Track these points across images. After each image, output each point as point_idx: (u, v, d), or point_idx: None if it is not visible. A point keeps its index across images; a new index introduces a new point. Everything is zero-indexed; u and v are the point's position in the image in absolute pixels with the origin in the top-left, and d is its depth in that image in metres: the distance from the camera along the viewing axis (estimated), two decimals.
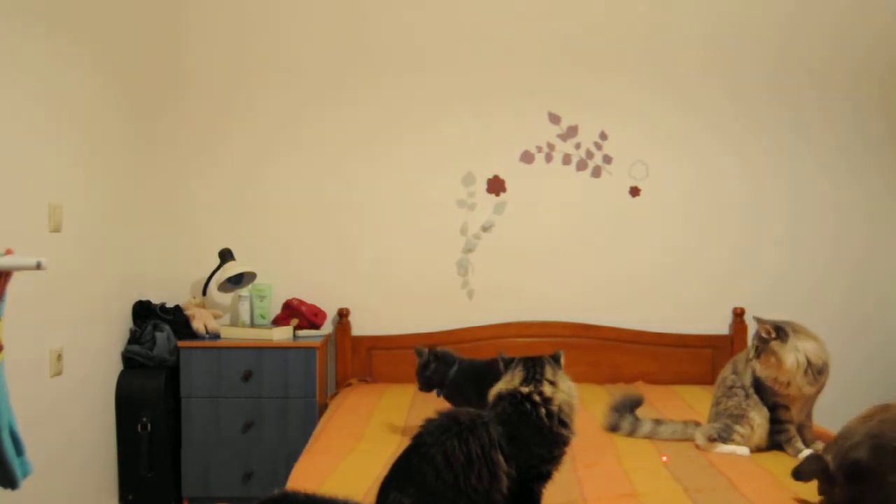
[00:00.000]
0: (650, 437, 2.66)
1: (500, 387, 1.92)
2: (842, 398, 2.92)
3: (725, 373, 2.62)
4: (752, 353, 2.46)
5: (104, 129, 3.22)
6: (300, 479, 2.20)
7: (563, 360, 1.95)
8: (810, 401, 2.53)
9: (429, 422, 1.77)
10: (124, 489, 3.27)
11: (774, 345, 2.42)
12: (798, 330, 2.46)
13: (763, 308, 3.65)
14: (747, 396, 2.52)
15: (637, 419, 2.73)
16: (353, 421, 2.93)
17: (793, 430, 2.48)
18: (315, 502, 1.68)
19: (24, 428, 1.98)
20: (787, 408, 2.49)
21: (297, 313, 3.58)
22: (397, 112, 3.73)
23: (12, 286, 1.91)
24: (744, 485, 2.14)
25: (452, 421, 1.75)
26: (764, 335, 2.43)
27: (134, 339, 3.37)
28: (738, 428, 2.50)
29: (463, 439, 1.70)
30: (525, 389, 1.86)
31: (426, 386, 2.62)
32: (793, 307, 3.65)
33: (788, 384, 2.44)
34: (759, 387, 2.50)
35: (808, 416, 2.57)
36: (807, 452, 2.44)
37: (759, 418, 2.49)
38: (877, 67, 3.74)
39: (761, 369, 2.46)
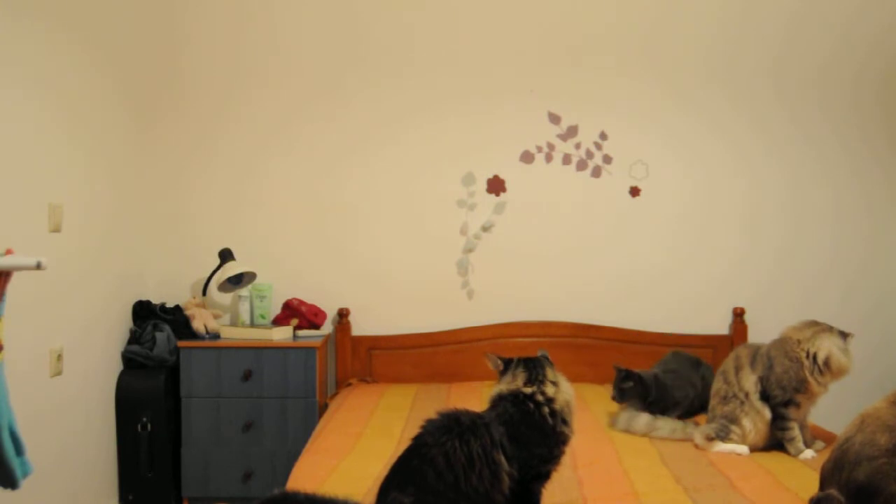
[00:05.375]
0: (648, 432, 2.66)
1: (500, 387, 1.93)
2: (841, 399, 2.91)
3: (717, 385, 2.64)
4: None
5: (104, 129, 3.22)
6: (300, 479, 2.20)
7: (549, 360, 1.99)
8: (816, 399, 2.54)
9: (429, 422, 1.77)
10: (124, 489, 3.27)
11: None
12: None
13: (763, 308, 3.69)
14: (742, 403, 2.52)
15: (635, 412, 2.74)
16: (353, 421, 2.93)
17: (797, 429, 2.49)
18: (315, 502, 1.68)
19: (24, 428, 1.98)
20: (798, 406, 2.50)
21: (297, 313, 3.58)
22: (397, 112, 3.73)
23: (12, 286, 1.91)
24: (743, 484, 2.14)
25: (453, 422, 1.75)
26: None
27: (134, 339, 3.37)
28: (734, 427, 2.50)
29: (464, 440, 1.71)
30: (528, 389, 1.87)
31: (620, 398, 2.96)
32: (792, 307, 3.65)
33: (810, 384, 2.49)
34: (773, 384, 2.50)
35: (805, 417, 2.58)
36: (807, 453, 2.45)
37: (749, 425, 2.50)
38: (878, 67, 3.74)
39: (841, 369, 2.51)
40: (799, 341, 2.53)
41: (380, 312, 3.74)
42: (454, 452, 1.68)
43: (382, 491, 1.72)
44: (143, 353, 3.30)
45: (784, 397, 2.49)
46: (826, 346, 2.49)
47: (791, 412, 2.49)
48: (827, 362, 2.47)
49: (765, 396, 2.52)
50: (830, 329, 2.54)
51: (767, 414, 2.50)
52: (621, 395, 2.94)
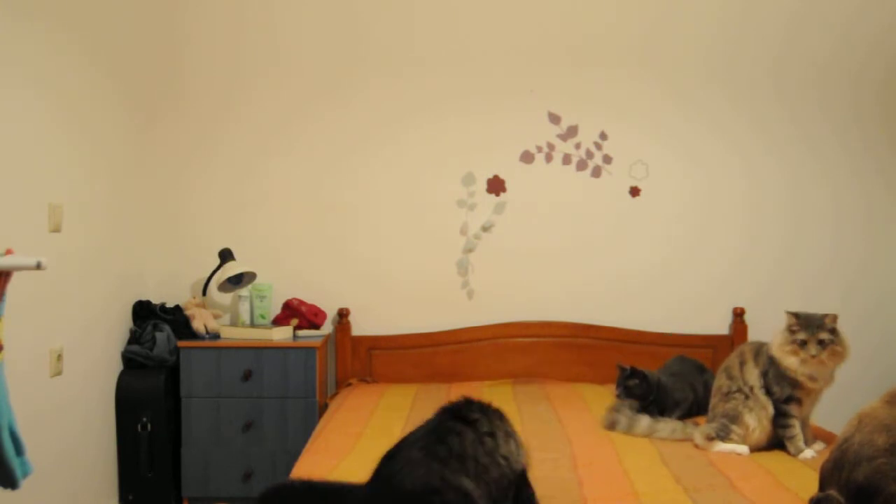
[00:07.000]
0: (648, 434, 2.66)
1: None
2: (841, 399, 2.91)
3: (720, 381, 2.63)
4: (814, 350, 2.42)
5: (104, 128, 3.22)
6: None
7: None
8: (820, 394, 2.54)
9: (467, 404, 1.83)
10: (124, 489, 3.27)
11: (841, 331, 2.45)
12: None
13: (763, 308, 3.68)
14: (747, 398, 2.52)
15: (634, 415, 2.74)
16: (354, 421, 2.93)
17: (798, 427, 2.49)
18: (314, 488, 1.69)
19: (24, 428, 1.98)
20: (799, 402, 2.49)
21: (297, 313, 3.58)
22: (397, 112, 3.73)
23: (12, 286, 1.91)
24: (743, 484, 2.14)
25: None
26: (833, 325, 2.44)
27: (134, 339, 3.37)
28: (734, 427, 2.50)
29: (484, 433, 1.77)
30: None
31: (626, 396, 2.98)
32: (792, 307, 3.63)
33: (819, 379, 2.46)
34: (772, 380, 2.50)
35: (808, 415, 2.58)
36: (807, 452, 2.44)
37: (753, 422, 2.49)
38: (878, 67, 3.74)
39: (829, 364, 2.44)
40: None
41: (380, 312, 3.74)
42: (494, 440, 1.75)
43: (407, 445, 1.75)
44: (143, 353, 3.30)
45: (783, 394, 2.49)
46: (776, 357, 2.51)
47: (793, 409, 2.49)
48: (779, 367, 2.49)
49: (768, 392, 2.52)
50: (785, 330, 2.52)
51: (772, 409, 2.50)
52: (626, 393, 2.95)
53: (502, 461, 1.75)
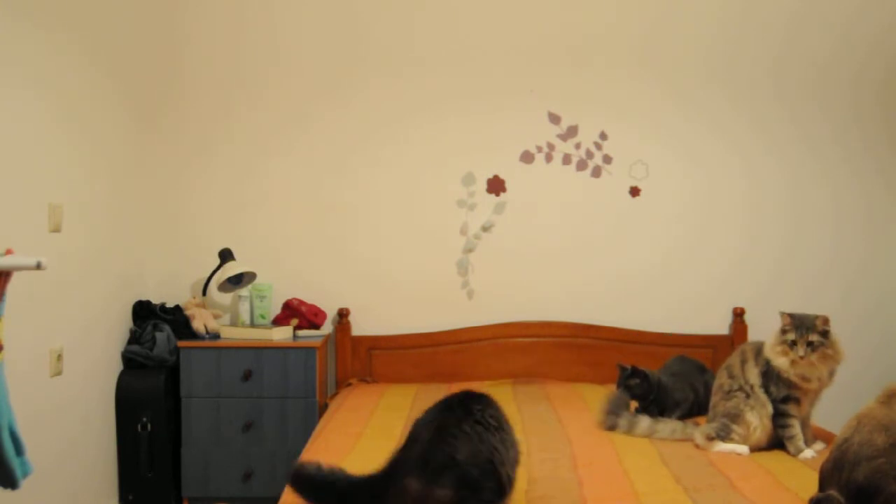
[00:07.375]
0: (649, 435, 2.66)
1: None
2: (840, 399, 2.91)
3: (721, 380, 2.62)
4: (802, 351, 2.41)
5: (104, 128, 3.22)
6: None
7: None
8: (819, 393, 2.54)
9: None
10: (124, 489, 3.27)
11: (834, 334, 2.43)
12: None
13: (763, 308, 3.68)
14: (748, 396, 2.52)
15: (634, 416, 2.74)
16: (354, 421, 2.92)
17: (797, 427, 2.49)
18: (353, 479, 1.78)
19: (24, 428, 1.98)
20: (798, 402, 2.49)
21: (297, 313, 3.59)
22: (397, 112, 3.73)
23: (12, 286, 1.91)
24: (743, 484, 2.14)
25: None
26: (824, 327, 2.42)
27: (134, 339, 3.37)
28: (735, 427, 2.50)
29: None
30: None
31: (627, 396, 2.95)
32: (792, 307, 3.62)
33: (811, 379, 2.45)
34: (770, 379, 2.50)
35: (808, 415, 2.58)
36: (807, 452, 2.44)
37: (755, 420, 2.49)
38: (878, 67, 3.74)
39: (819, 366, 2.43)
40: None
41: (380, 312, 3.74)
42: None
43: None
44: (143, 353, 3.30)
45: (779, 394, 2.49)
46: (768, 357, 2.51)
47: (791, 409, 2.49)
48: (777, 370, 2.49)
49: (767, 391, 2.52)
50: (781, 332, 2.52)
51: (768, 409, 2.50)
52: (627, 393, 2.95)
53: (518, 447, 1.90)
